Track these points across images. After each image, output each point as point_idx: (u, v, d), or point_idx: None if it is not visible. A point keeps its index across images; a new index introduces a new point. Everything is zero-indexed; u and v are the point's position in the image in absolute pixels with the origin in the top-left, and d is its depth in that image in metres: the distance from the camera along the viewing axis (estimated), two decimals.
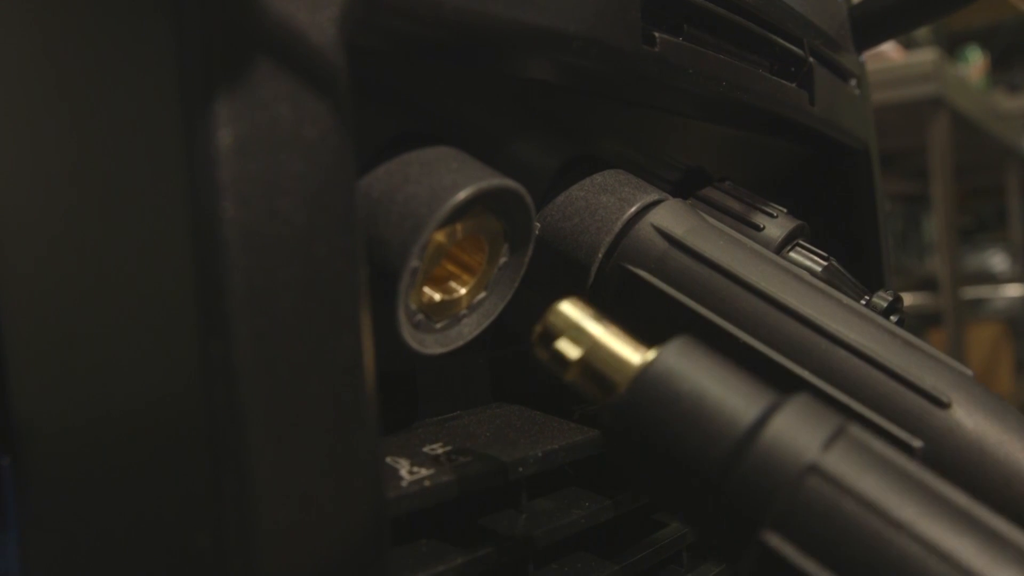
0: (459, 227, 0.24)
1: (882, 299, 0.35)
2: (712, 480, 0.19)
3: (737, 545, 0.19)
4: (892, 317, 0.35)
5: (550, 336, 0.21)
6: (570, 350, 0.21)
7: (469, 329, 0.25)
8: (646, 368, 0.20)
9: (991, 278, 2.70)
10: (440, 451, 0.26)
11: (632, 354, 0.21)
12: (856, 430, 0.19)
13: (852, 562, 0.18)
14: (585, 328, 0.21)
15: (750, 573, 0.19)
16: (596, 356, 0.21)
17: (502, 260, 0.26)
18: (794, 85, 0.38)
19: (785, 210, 0.38)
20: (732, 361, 0.21)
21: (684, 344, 0.20)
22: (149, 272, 0.19)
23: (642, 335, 0.21)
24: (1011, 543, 0.18)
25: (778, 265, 0.30)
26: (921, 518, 0.18)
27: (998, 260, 2.83)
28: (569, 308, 0.21)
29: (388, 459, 0.25)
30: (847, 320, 0.28)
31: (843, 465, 0.18)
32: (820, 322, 0.27)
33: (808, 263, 0.36)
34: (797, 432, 0.19)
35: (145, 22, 0.19)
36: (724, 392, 0.20)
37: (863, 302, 0.36)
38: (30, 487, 0.23)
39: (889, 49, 1.67)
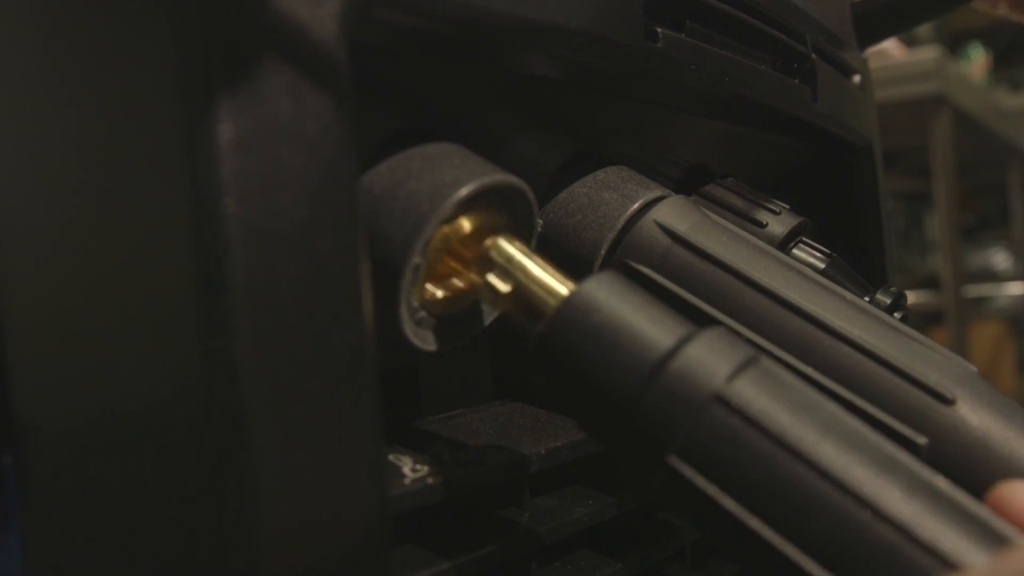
0: (461, 223, 0.24)
1: (886, 296, 0.35)
2: (624, 405, 0.20)
3: (647, 468, 0.20)
4: (896, 314, 0.35)
5: (486, 267, 0.23)
6: (503, 282, 0.23)
7: (471, 326, 0.25)
8: (569, 298, 0.21)
9: (993, 276, 2.70)
10: (443, 449, 0.26)
11: (559, 286, 0.22)
12: (767, 362, 0.20)
13: (751, 485, 0.19)
14: (519, 260, 0.23)
15: (659, 495, 0.20)
16: (527, 287, 0.22)
17: None
18: (797, 81, 0.38)
19: (788, 207, 0.38)
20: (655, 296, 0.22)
21: (607, 277, 0.22)
22: (150, 269, 0.19)
23: None
24: (903, 468, 0.19)
25: (782, 262, 0.29)
26: (819, 446, 0.19)
27: (1000, 258, 2.82)
28: (505, 242, 0.23)
29: (391, 457, 0.25)
30: (851, 316, 0.28)
31: (748, 394, 0.19)
32: (824, 318, 0.27)
33: (811, 260, 0.36)
34: (706, 361, 0.20)
35: (145, 18, 0.18)
36: (642, 323, 0.21)
37: (866, 299, 0.36)
38: (31, 486, 0.23)
39: (891, 47, 1.67)
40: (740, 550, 0.19)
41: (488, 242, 0.23)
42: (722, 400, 0.19)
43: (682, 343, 0.20)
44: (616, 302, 0.21)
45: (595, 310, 0.21)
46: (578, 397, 0.21)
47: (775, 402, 0.19)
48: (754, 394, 0.19)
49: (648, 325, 0.20)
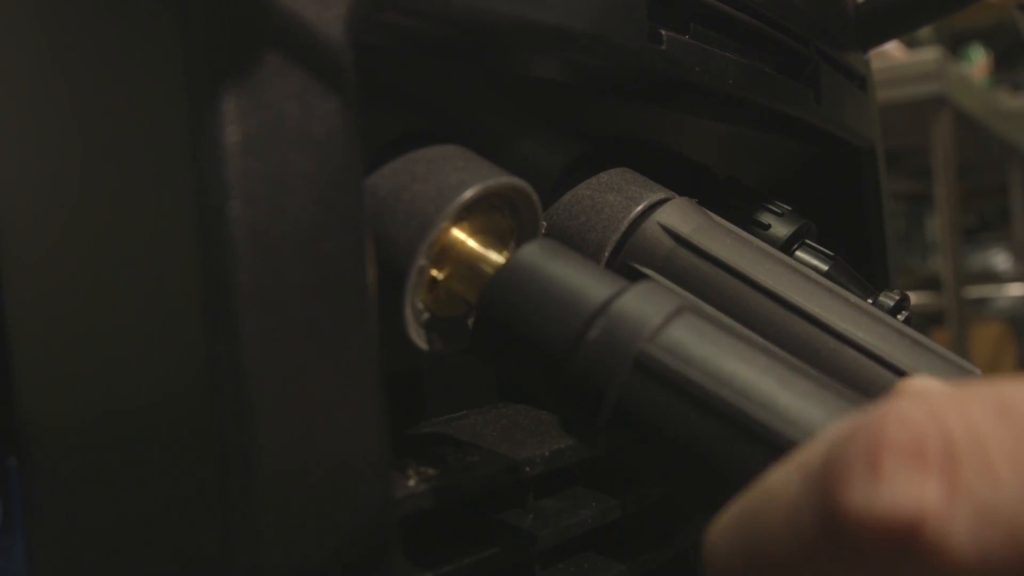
0: (466, 225, 0.24)
1: (889, 298, 0.35)
2: (559, 359, 0.21)
3: (590, 426, 0.20)
4: (899, 316, 0.35)
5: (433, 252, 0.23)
6: (439, 270, 0.23)
7: None
8: (507, 263, 0.22)
9: (994, 277, 2.70)
10: (447, 451, 0.26)
11: (497, 256, 0.23)
12: (697, 309, 0.21)
13: (688, 429, 0.19)
14: (460, 237, 0.23)
15: (607, 451, 0.21)
16: (469, 262, 0.23)
17: None
18: (800, 83, 0.38)
19: (791, 209, 0.38)
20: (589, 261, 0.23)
21: (544, 242, 0.22)
22: (156, 271, 0.19)
23: None
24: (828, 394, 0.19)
25: (785, 263, 0.29)
26: (746, 378, 0.19)
27: (1001, 259, 2.82)
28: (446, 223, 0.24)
29: (395, 459, 0.25)
30: (855, 319, 0.28)
31: (677, 341, 0.20)
32: (828, 321, 0.27)
33: (814, 261, 0.36)
34: (637, 313, 0.20)
35: (152, 20, 0.18)
36: (574, 282, 0.21)
37: (869, 301, 0.36)
38: (36, 488, 0.23)
39: (892, 48, 1.67)
40: (687, 486, 0.20)
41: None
42: (652, 351, 0.20)
43: (613, 297, 0.21)
44: (553, 264, 0.22)
45: (533, 271, 0.21)
46: (518, 357, 0.22)
47: (704, 345, 0.20)
48: (684, 339, 0.20)
49: (582, 282, 0.21)
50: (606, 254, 0.30)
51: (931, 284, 1.94)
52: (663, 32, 0.29)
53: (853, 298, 0.29)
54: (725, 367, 0.19)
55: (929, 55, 1.62)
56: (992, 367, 2.21)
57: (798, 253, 0.36)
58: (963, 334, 1.63)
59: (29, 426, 0.23)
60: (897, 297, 0.35)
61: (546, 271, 0.21)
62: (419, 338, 0.24)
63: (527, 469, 0.27)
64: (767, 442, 0.18)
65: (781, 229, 0.36)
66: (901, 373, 0.26)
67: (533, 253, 0.22)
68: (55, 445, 0.22)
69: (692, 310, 0.21)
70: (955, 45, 2.48)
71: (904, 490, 0.13)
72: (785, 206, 0.37)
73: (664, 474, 0.20)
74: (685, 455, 0.19)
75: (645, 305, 0.20)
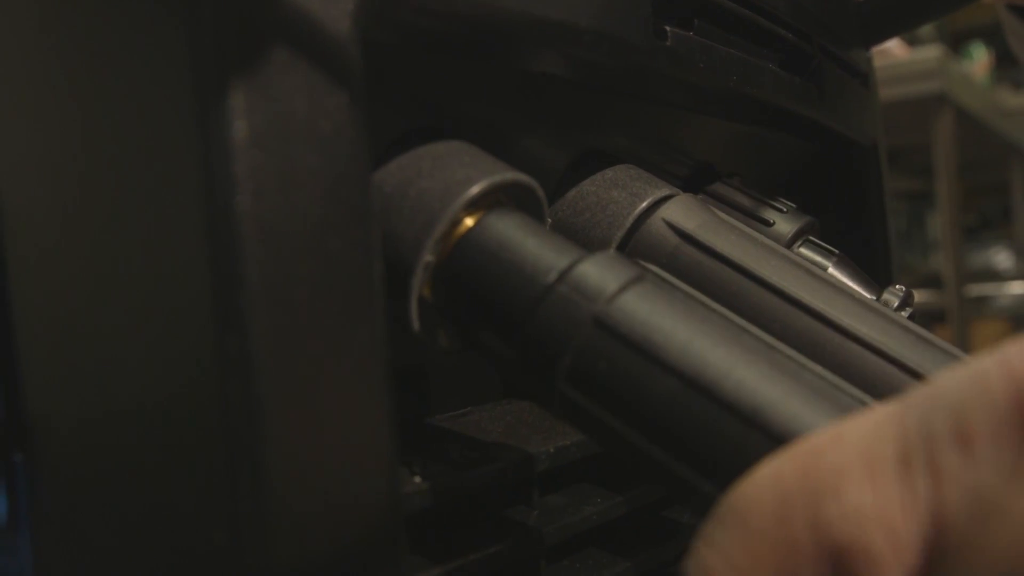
0: (471, 221, 0.24)
1: (893, 294, 0.35)
2: (517, 324, 0.21)
3: (546, 391, 0.21)
4: (903, 312, 0.35)
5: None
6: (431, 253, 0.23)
7: None
8: (475, 225, 0.23)
9: (995, 275, 2.70)
10: (452, 447, 0.26)
11: (468, 219, 0.23)
12: (653, 277, 0.21)
13: (636, 402, 0.19)
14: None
15: (560, 416, 0.21)
16: (448, 235, 0.23)
17: None
18: (803, 80, 0.38)
19: (794, 205, 0.38)
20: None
21: (513, 212, 0.23)
22: (163, 267, 0.19)
23: None
24: (782, 365, 0.20)
25: (789, 260, 0.29)
26: (695, 358, 0.19)
27: (1002, 257, 2.82)
28: None
29: (401, 455, 0.25)
30: (859, 315, 0.28)
31: (630, 312, 0.20)
32: (832, 317, 0.27)
33: (818, 258, 0.36)
34: (596, 278, 0.21)
35: (159, 14, 0.18)
36: (538, 248, 0.22)
37: (873, 297, 0.36)
38: (43, 484, 0.23)
39: (893, 46, 1.67)
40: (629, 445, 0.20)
41: None
42: (605, 320, 0.20)
43: (571, 265, 0.21)
44: (515, 229, 0.22)
45: (497, 235, 0.22)
46: (478, 319, 0.22)
47: (658, 316, 0.20)
48: (637, 310, 0.20)
49: (542, 249, 0.22)
50: (611, 251, 0.30)
51: (932, 282, 1.94)
52: (667, 28, 0.29)
53: (857, 294, 0.29)
54: (675, 335, 0.20)
55: (930, 53, 1.62)
56: None
57: (802, 250, 0.36)
58: (964, 332, 1.63)
59: (35, 422, 0.23)
60: (901, 293, 0.35)
61: (512, 236, 0.22)
62: (425, 334, 0.24)
63: (532, 465, 0.27)
64: (709, 407, 0.19)
65: (785, 226, 0.36)
66: (906, 369, 0.26)
67: (501, 219, 0.22)
68: (61, 440, 0.22)
69: (651, 279, 0.21)
70: (956, 43, 2.48)
71: None
72: (789, 203, 0.37)
73: (613, 441, 0.20)
74: (633, 420, 0.19)
75: (604, 271, 0.21)
